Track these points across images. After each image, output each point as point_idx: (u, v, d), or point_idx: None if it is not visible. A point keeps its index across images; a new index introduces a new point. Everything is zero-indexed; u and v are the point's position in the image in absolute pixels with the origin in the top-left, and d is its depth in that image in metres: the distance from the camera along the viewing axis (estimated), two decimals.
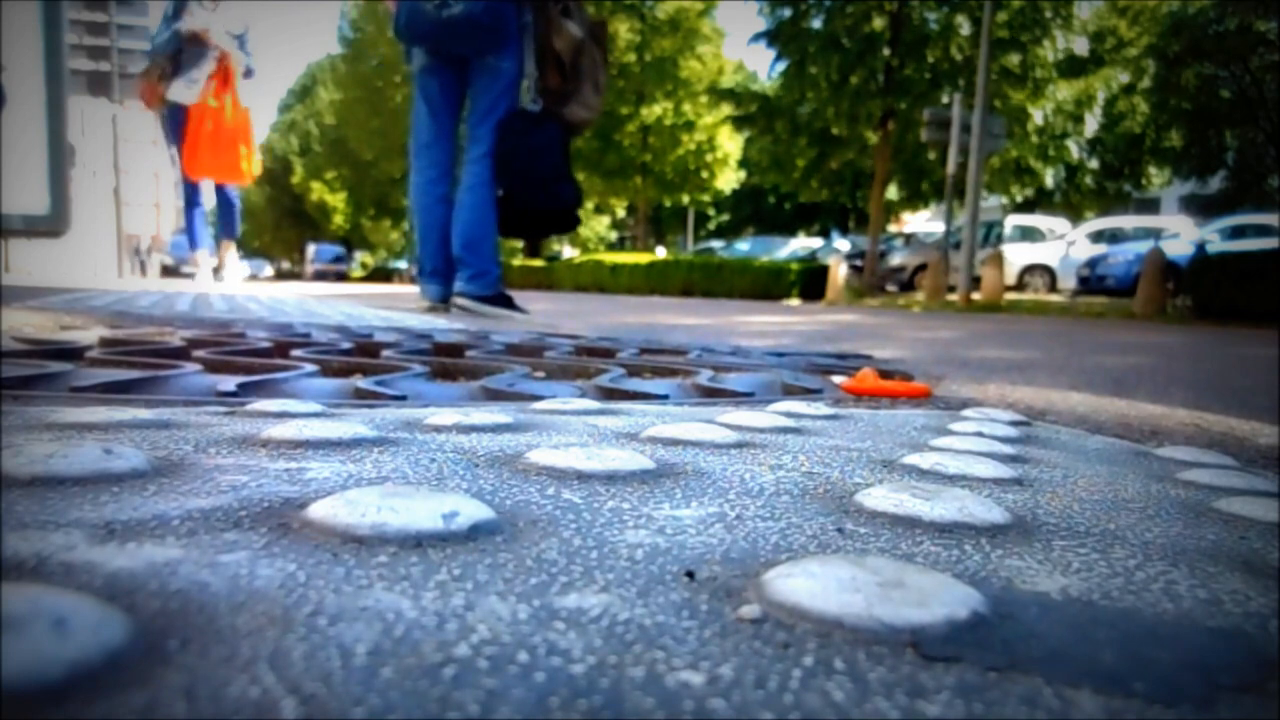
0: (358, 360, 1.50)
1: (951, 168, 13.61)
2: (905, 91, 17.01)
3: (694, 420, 0.84)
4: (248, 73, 7.11)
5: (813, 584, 0.35)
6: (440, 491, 0.47)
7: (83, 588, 0.33)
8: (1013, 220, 19.82)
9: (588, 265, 21.70)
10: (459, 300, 4.16)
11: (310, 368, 1.30)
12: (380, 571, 0.37)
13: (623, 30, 24.41)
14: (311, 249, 39.71)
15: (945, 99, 15.84)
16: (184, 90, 6.87)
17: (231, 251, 7.80)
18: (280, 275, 38.84)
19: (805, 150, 18.69)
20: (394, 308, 4.45)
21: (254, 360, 1.41)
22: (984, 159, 13.78)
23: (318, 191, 37.33)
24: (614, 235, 40.40)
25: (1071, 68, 17.05)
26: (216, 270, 7.49)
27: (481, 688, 0.26)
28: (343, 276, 34.94)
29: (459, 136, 4.30)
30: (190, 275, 9.53)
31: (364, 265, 38.53)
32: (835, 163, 18.90)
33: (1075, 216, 21.09)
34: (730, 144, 25.18)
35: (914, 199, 20.03)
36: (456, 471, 0.59)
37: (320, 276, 35.14)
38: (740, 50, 53.46)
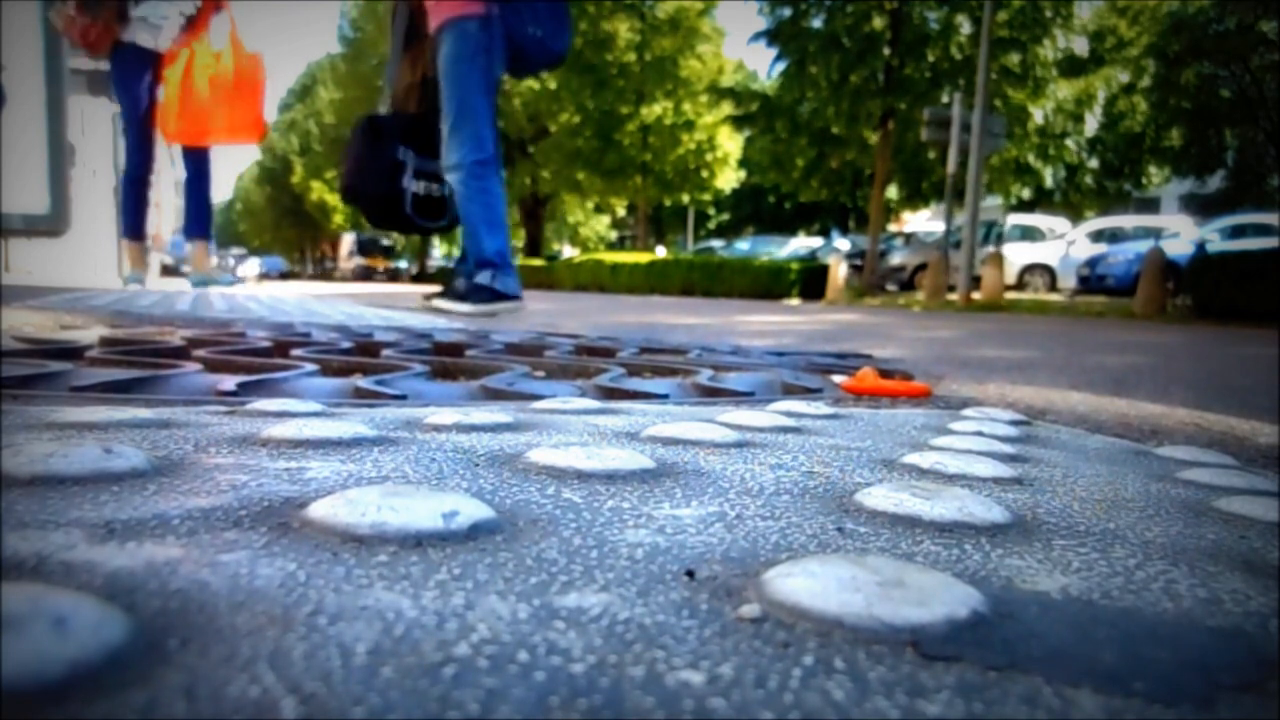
0: (358, 360, 1.50)
1: (951, 167, 13.62)
2: (905, 91, 17.02)
3: (694, 420, 0.84)
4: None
5: (813, 583, 0.35)
6: (440, 491, 0.47)
7: (83, 587, 0.33)
8: (1013, 220, 19.83)
9: (587, 264, 21.71)
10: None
11: (310, 367, 1.30)
12: (380, 571, 0.37)
13: (623, 30, 24.43)
14: (349, 240, 34.10)
15: (945, 98, 15.85)
16: (149, 31, 5.26)
17: (204, 251, 5.90)
18: (281, 276, 37.41)
19: (805, 150, 18.71)
20: (394, 307, 4.44)
21: (254, 360, 1.41)
22: (984, 158, 13.78)
23: (318, 191, 37.25)
24: (614, 235, 40.40)
25: (1071, 67, 17.07)
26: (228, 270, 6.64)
27: (481, 687, 0.26)
28: (396, 275, 29.54)
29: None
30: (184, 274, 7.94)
31: (337, 267, 38.06)
32: (835, 162, 18.92)
33: (1075, 216, 21.10)
34: (730, 143, 25.20)
35: (914, 198, 20.05)
36: (456, 471, 0.59)
37: (364, 275, 29.82)
38: (740, 49, 53.53)
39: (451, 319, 3.41)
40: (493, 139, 4.21)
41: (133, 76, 5.27)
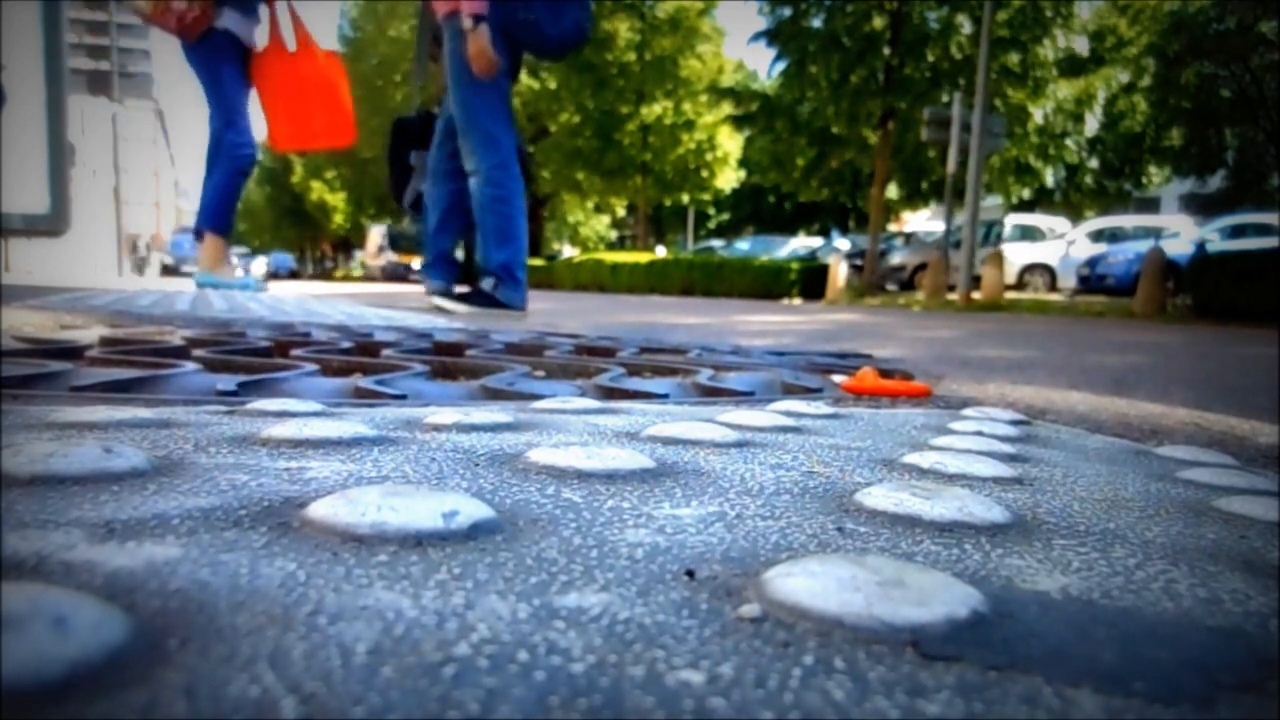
0: (358, 359, 1.50)
1: (951, 167, 13.62)
2: (905, 91, 17.02)
3: (694, 419, 0.84)
4: None
5: (813, 583, 0.35)
6: (440, 490, 0.47)
7: (83, 587, 0.33)
8: (1013, 219, 19.83)
9: (587, 264, 21.72)
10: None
11: (310, 367, 1.30)
12: (380, 570, 0.36)
13: (623, 29, 24.43)
14: (377, 234, 29.13)
15: (945, 98, 15.85)
16: (242, 23, 5.02)
17: (220, 248, 5.37)
18: (291, 275, 35.46)
19: (805, 149, 18.71)
20: (394, 307, 4.44)
21: (254, 359, 1.41)
22: (984, 158, 13.78)
23: (318, 191, 37.21)
24: (614, 234, 40.41)
25: (1072, 67, 17.07)
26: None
27: (481, 687, 0.26)
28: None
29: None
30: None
31: (364, 265, 37.60)
32: (835, 162, 18.92)
33: (1075, 216, 21.10)
34: (730, 143, 25.20)
35: (914, 198, 20.05)
36: (456, 470, 0.59)
37: (398, 275, 24.74)
38: (740, 49, 53.64)
39: (452, 319, 3.41)
40: (508, 136, 4.08)
41: (224, 63, 5.01)
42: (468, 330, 2.43)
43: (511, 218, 4.09)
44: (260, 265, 33.00)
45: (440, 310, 4.05)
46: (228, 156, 5.10)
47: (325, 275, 38.27)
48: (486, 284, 4.12)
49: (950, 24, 16.67)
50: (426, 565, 0.37)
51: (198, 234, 5.36)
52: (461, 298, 4.17)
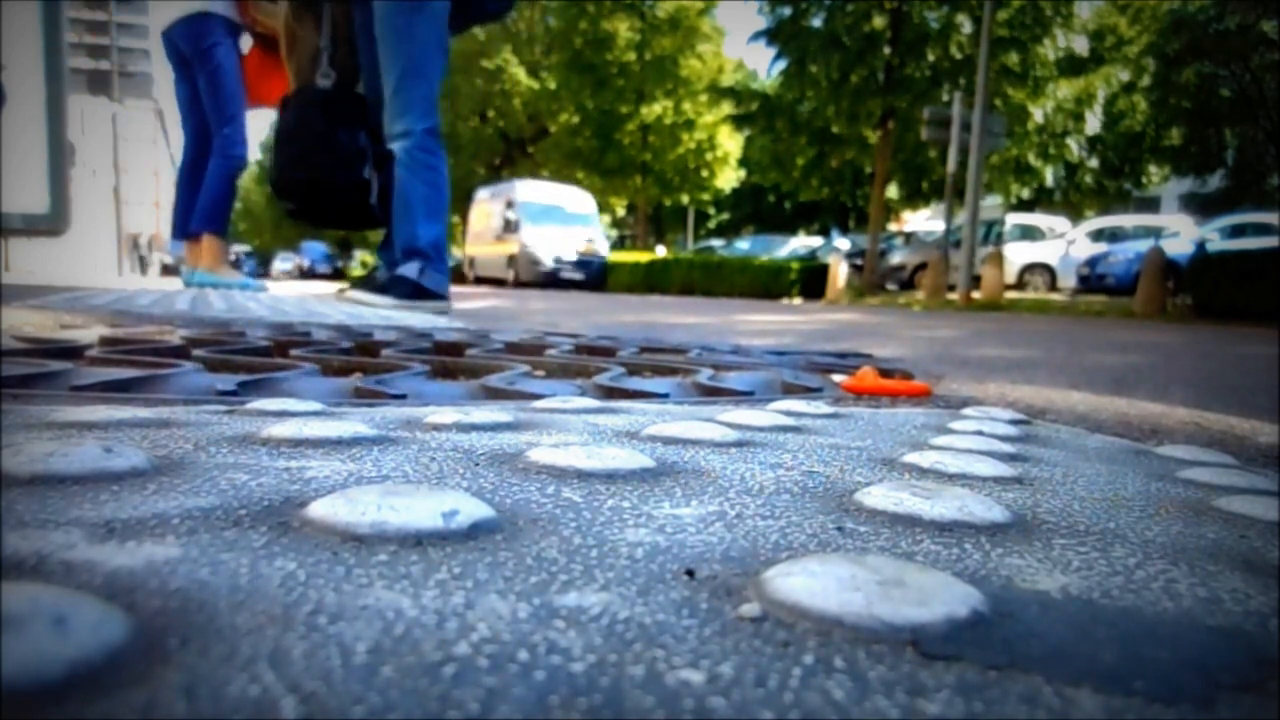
0: (358, 359, 1.50)
1: (951, 166, 13.63)
2: (905, 90, 17.03)
3: (694, 419, 0.84)
4: None
5: (813, 582, 0.35)
6: (440, 490, 0.47)
7: (82, 586, 0.33)
8: (1013, 219, 19.83)
9: None
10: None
11: (310, 367, 1.30)
12: (380, 570, 0.36)
13: (622, 29, 24.44)
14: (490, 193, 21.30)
15: (945, 97, 15.86)
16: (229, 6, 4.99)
17: (218, 246, 5.17)
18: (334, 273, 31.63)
19: (805, 149, 18.73)
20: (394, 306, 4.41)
21: (254, 359, 1.40)
22: (984, 157, 13.79)
23: None
24: (614, 234, 40.40)
25: (1071, 66, 17.08)
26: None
27: (481, 686, 0.26)
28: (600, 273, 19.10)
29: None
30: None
31: (364, 264, 37.03)
32: (835, 161, 18.94)
33: (1075, 215, 21.11)
34: (730, 143, 25.22)
35: (914, 198, 20.07)
36: (456, 470, 0.59)
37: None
38: (740, 49, 53.67)
39: (452, 319, 3.40)
40: (437, 106, 3.68)
41: (232, 54, 4.90)
42: (468, 330, 2.43)
43: (441, 187, 3.62)
44: (284, 262, 30.20)
45: (357, 304, 3.59)
46: (223, 155, 5.02)
47: (325, 275, 37.91)
48: (410, 269, 3.55)
49: (950, 24, 16.69)
50: (426, 565, 0.37)
51: (193, 235, 5.27)
52: (381, 288, 3.66)
